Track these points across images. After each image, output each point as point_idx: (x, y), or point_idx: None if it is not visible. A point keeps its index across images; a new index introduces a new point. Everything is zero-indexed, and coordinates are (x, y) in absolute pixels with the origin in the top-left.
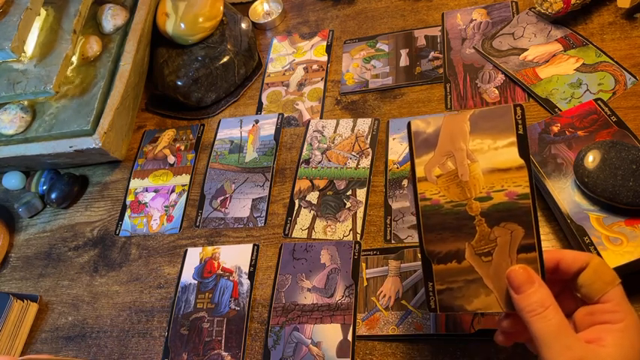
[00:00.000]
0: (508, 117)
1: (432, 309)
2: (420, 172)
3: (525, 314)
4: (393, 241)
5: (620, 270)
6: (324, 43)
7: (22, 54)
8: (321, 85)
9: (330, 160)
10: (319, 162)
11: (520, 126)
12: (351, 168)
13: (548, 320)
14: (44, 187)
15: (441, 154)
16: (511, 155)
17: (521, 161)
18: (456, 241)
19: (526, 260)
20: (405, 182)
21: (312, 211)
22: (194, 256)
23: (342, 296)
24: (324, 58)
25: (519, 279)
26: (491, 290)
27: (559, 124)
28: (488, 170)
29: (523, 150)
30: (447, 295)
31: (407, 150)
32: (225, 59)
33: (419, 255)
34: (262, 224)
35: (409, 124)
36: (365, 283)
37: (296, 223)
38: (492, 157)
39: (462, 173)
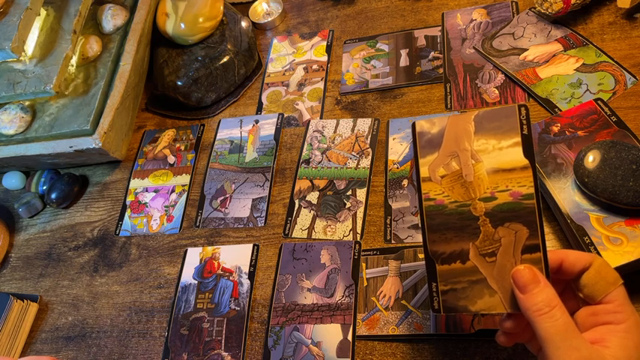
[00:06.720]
0: (513, 117)
1: (435, 310)
2: (424, 172)
3: (531, 314)
4: (393, 241)
5: (621, 270)
6: (324, 43)
7: (22, 54)
8: (321, 85)
9: (330, 160)
10: (319, 162)
11: (525, 126)
12: (351, 168)
13: (555, 320)
14: (44, 187)
15: (445, 155)
16: (516, 155)
17: (525, 161)
18: (460, 241)
19: (530, 261)
20: (405, 182)
21: (312, 211)
22: (194, 256)
23: (342, 296)
24: (324, 58)
25: (525, 278)
26: (495, 291)
27: (559, 124)
28: (493, 170)
29: (528, 150)
30: (450, 295)
31: (407, 150)
32: (225, 59)
33: (420, 255)
34: (262, 224)
35: (414, 125)
36: (365, 283)
37: (296, 223)
38: (497, 158)
39: (466, 173)
